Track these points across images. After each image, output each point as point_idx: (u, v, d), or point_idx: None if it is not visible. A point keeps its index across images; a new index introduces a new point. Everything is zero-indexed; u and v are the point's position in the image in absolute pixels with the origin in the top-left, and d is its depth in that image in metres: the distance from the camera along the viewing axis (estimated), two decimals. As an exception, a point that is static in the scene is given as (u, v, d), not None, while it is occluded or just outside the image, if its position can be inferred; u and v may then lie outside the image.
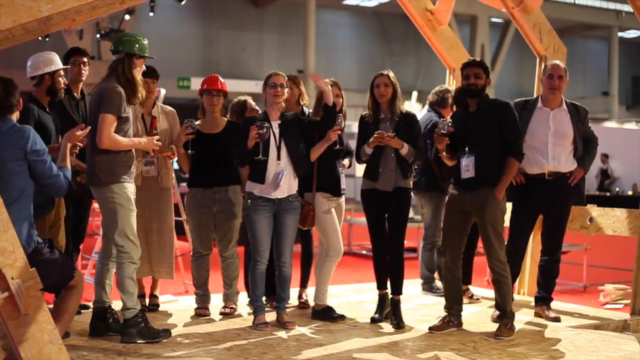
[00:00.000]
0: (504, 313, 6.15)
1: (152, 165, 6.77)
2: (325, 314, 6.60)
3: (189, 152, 6.56)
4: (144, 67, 5.94)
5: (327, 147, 6.45)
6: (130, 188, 5.73)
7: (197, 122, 6.66)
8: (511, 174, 6.08)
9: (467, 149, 6.08)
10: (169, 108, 7.02)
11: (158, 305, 7.03)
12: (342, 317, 6.64)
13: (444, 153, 6.18)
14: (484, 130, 6.07)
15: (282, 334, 6.04)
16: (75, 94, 6.69)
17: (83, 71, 6.78)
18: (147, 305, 6.93)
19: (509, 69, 35.69)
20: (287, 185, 6.23)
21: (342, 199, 6.79)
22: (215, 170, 6.62)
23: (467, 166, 6.06)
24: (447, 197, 6.59)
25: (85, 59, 6.80)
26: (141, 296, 6.88)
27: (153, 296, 7.08)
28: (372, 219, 6.53)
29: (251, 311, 6.47)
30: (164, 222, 6.90)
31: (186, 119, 6.61)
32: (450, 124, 6.08)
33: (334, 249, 6.62)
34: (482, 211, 6.03)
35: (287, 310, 6.69)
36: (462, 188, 6.15)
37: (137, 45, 5.77)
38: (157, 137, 6.05)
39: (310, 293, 7.09)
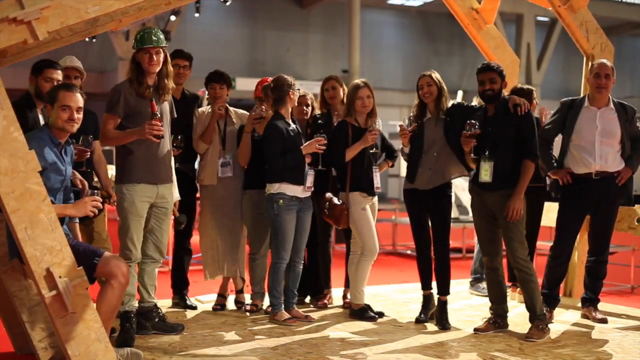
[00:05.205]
0: (534, 313, 6.08)
1: (228, 166, 6.81)
2: (362, 313, 6.62)
3: (256, 134, 6.63)
4: (154, 58, 5.60)
5: (362, 148, 6.50)
6: (140, 191, 5.67)
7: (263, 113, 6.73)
8: (528, 176, 6.01)
9: (487, 153, 6.06)
10: (241, 111, 7.06)
11: (224, 306, 7.00)
12: (381, 314, 6.70)
13: (471, 155, 6.17)
14: (503, 134, 6.06)
15: (327, 333, 6.06)
16: (175, 96, 6.56)
17: (182, 74, 6.80)
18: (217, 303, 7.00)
19: (555, 68, 35.32)
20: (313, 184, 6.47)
21: (375, 198, 6.79)
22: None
23: (486, 170, 6.06)
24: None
25: (186, 63, 6.86)
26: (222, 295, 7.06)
27: (220, 296, 7.07)
28: (414, 218, 6.53)
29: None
30: (236, 220, 6.91)
31: (257, 104, 6.74)
32: (477, 126, 6.06)
33: (368, 248, 6.61)
34: (501, 211, 6.00)
35: (332, 311, 6.69)
36: (481, 189, 6.14)
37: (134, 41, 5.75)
38: (156, 118, 5.45)
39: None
